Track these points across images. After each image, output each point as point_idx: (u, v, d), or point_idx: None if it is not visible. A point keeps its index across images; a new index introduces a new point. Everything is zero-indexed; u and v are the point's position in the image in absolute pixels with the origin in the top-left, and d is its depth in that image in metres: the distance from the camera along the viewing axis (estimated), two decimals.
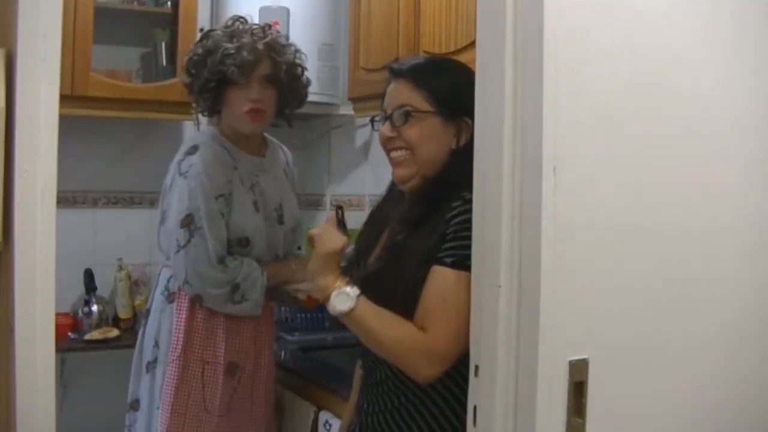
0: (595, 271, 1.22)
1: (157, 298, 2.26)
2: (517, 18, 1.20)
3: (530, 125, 1.18)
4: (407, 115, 1.55)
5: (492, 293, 1.22)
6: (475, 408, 1.27)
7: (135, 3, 3.09)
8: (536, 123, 1.17)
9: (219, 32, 2.22)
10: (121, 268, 3.11)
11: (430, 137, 1.54)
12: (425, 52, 2.34)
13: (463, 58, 2.12)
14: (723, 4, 1.36)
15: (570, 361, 1.19)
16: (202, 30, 3.07)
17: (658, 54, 1.27)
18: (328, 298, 1.48)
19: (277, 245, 2.30)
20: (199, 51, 2.20)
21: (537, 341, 1.16)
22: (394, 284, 1.49)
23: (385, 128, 1.59)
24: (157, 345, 2.22)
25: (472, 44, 1.57)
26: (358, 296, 1.47)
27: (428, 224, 1.50)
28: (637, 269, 1.27)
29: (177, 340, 2.16)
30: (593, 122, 1.21)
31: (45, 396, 1.66)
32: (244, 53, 2.14)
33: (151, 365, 2.22)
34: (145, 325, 2.29)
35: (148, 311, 2.28)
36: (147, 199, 3.21)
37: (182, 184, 2.13)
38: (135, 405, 2.28)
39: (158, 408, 2.17)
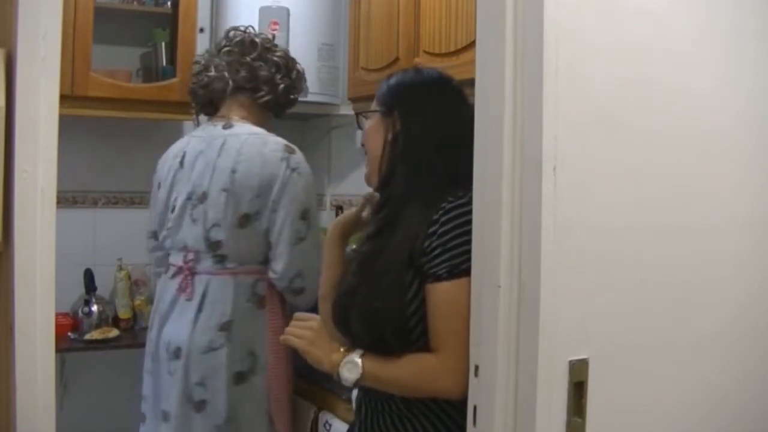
0: (595, 271, 1.22)
1: (242, 307, 2.19)
2: (517, 18, 1.20)
3: (530, 125, 1.18)
4: (362, 118, 1.66)
5: (492, 293, 1.22)
6: (475, 408, 1.27)
7: (135, 3, 3.09)
8: (536, 123, 1.17)
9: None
10: (121, 268, 3.11)
11: (373, 134, 1.61)
12: (425, 52, 2.34)
13: (463, 58, 2.13)
14: (722, 3, 1.36)
15: (570, 361, 1.19)
16: (201, 30, 3.10)
17: (658, 53, 1.27)
18: (339, 374, 1.51)
19: None
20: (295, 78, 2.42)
21: (537, 341, 1.16)
22: (378, 308, 1.47)
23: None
24: (252, 354, 2.18)
25: (472, 44, 1.57)
26: (362, 356, 1.49)
27: (396, 233, 1.51)
28: (637, 269, 1.27)
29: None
30: (593, 122, 1.21)
31: (45, 396, 1.67)
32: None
33: (244, 376, 2.17)
34: (227, 338, 2.16)
35: (229, 323, 2.16)
36: (147, 199, 3.19)
37: (297, 179, 2.18)
38: (232, 419, 2.18)
39: (265, 413, 2.19)
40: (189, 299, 2.20)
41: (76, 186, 3.12)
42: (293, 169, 2.17)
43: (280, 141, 2.23)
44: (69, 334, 2.93)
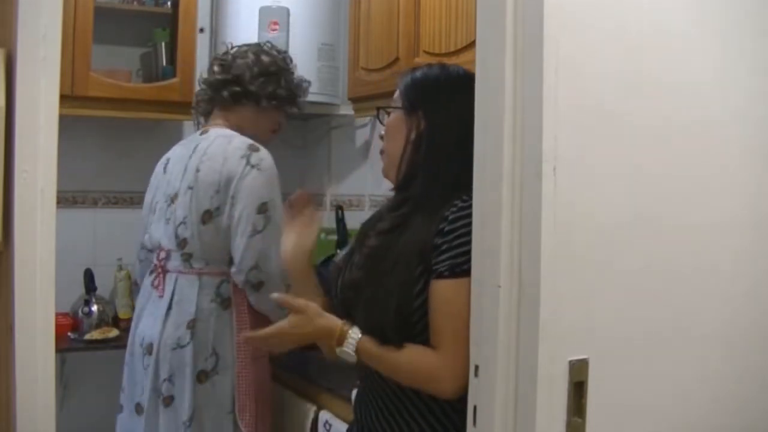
0: (594, 271, 1.22)
1: (207, 307, 2.23)
2: (517, 18, 1.20)
3: (530, 125, 1.18)
4: (383, 112, 1.64)
5: (492, 293, 1.22)
6: (475, 408, 1.27)
7: (135, 3, 3.09)
8: (536, 123, 1.17)
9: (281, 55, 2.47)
10: (121, 268, 3.11)
11: (395, 130, 1.60)
12: (425, 52, 2.34)
13: (463, 58, 2.13)
14: (722, 2, 1.36)
15: (570, 361, 1.19)
16: (201, 30, 3.10)
17: (658, 53, 1.27)
18: (344, 333, 1.50)
19: None
20: (267, 61, 2.39)
21: (537, 341, 1.16)
22: (383, 300, 1.48)
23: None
24: (215, 353, 2.21)
25: (472, 44, 1.57)
26: (359, 339, 1.49)
27: (409, 230, 1.51)
28: (638, 269, 1.27)
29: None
30: (593, 122, 1.21)
31: (45, 396, 1.67)
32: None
33: (208, 374, 2.21)
34: (192, 336, 2.20)
35: (193, 321, 2.21)
36: None
37: (257, 175, 2.21)
38: (196, 417, 2.20)
39: (229, 413, 2.21)
40: (161, 296, 2.28)
41: (76, 186, 3.12)
42: (253, 166, 2.22)
43: (246, 140, 2.29)
44: (69, 334, 2.94)
